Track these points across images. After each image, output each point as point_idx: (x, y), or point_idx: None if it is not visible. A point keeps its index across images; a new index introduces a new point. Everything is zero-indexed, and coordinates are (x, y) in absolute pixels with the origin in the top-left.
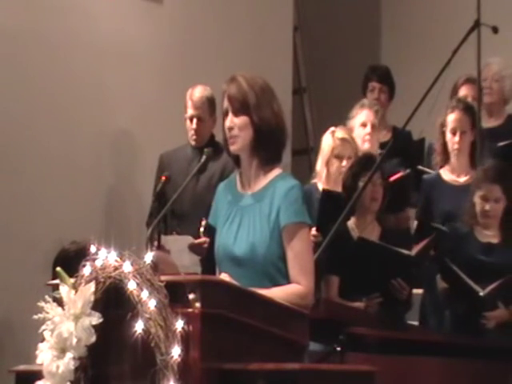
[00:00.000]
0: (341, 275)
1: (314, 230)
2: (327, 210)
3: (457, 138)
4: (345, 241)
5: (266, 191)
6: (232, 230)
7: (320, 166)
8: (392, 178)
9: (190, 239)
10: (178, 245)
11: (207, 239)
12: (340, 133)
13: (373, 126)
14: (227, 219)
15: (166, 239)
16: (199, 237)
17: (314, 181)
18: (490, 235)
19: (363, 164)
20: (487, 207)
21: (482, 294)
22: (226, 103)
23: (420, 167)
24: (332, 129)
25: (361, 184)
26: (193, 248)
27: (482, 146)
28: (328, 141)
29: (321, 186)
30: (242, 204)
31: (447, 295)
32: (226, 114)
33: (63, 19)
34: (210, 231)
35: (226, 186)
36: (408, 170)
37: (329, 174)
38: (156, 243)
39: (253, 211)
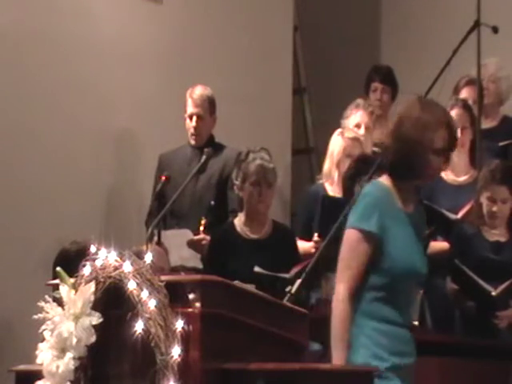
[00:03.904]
0: None
1: (315, 237)
2: (328, 216)
3: (459, 134)
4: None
5: (418, 210)
6: (414, 248)
7: (328, 167)
8: None
9: (188, 233)
10: (177, 239)
11: (206, 236)
12: (349, 133)
13: (366, 128)
14: (404, 236)
15: (165, 234)
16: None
17: (320, 181)
18: (497, 234)
19: (358, 167)
20: (495, 208)
21: (494, 293)
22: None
23: None
24: (339, 130)
25: (358, 187)
26: (191, 245)
27: (479, 145)
28: (338, 141)
29: (329, 187)
30: (409, 222)
31: (457, 296)
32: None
33: (63, 19)
34: (373, 238)
35: (388, 200)
36: None
37: (340, 174)
38: (156, 238)
39: (417, 230)
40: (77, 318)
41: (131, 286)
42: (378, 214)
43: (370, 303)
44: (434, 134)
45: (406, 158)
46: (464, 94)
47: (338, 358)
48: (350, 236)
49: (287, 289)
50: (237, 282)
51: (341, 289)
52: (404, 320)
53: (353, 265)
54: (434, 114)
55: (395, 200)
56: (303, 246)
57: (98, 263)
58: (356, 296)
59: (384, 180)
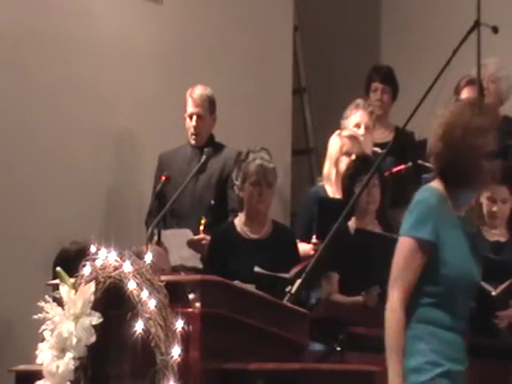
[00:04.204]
0: (341, 271)
1: (314, 239)
2: (326, 218)
3: None
4: (344, 237)
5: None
6: (468, 253)
7: (328, 168)
8: (394, 170)
9: (188, 232)
10: (177, 239)
11: (206, 236)
12: (346, 132)
13: (366, 128)
14: (459, 241)
15: (164, 233)
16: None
17: (321, 183)
18: (497, 234)
19: (358, 167)
20: (495, 208)
21: (494, 293)
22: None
23: (420, 161)
24: (338, 131)
25: (357, 188)
26: (191, 244)
27: None
28: (335, 141)
29: (329, 188)
30: (462, 226)
31: None
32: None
33: (63, 19)
34: (428, 246)
35: (442, 206)
36: (410, 163)
37: (338, 172)
38: (156, 238)
39: (469, 234)
40: (77, 318)
41: (131, 286)
42: (432, 220)
43: (425, 309)
44: (485, 139)
45: (457, 164)
46: (465, 94)
47: (392, 371)
48: (405, 244)
49: (287, 289)
50: (237, 282)
51: (395, 297)
52: (458, 326)
53: (407, 273)
54: (484, 118)
55: (448, 205)
56: (303, 248)
57: (98, 263)
58: (411, 302)
59: (436, 185)
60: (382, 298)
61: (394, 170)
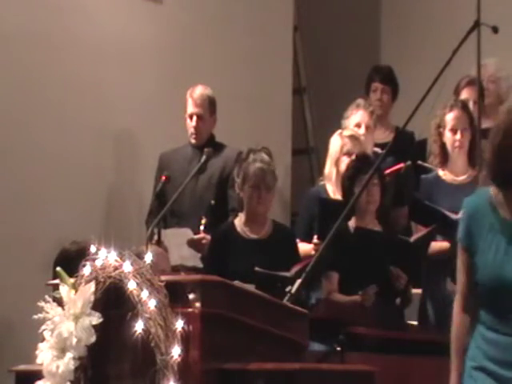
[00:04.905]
0: (341, 270)
1: (315, 239)
2: (327, 219)
3: (458, 136)
4: (344, 236)
5: None
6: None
7: (329, 167)
8: (392, 169)
9: (188, 232)
10: (177, 238)
11: (206, 235)
12: (347, 131)
13: (367, 128)
14: (499, 245)
15: (165, 233)
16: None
17: (322, 183)
18: None
19: (358, 166)
20: None
21: None
22: None
23: (420, 162)
24: (339, 131)
25: (356, 189)
26: (192, 244)
27: (479, 145)
28: (336, 141)
29: (330, 188)
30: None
31: None
32: None
33: (63, 19)
34: (464, 249)
35: (483, 208)
36: (409, 162)
37: (339, 172)
38: (156, 237)
39: None
40: (77, 318)
41: (131, 286)
42: (466, 223)
43: (479, 310)
44: None
45: (502, 166)
46: (465, 94)
47: (452, 370)
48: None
49: (287, 289)
50: (237, 282)
51: (456, 300)
52: (504, 328)
53: (460, 276)
54: None
55: (496, 208)
56: (304, 248)
57: (98, 263)
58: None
59: (491, 188)
60: (381, 297)
61: (392, 169)
